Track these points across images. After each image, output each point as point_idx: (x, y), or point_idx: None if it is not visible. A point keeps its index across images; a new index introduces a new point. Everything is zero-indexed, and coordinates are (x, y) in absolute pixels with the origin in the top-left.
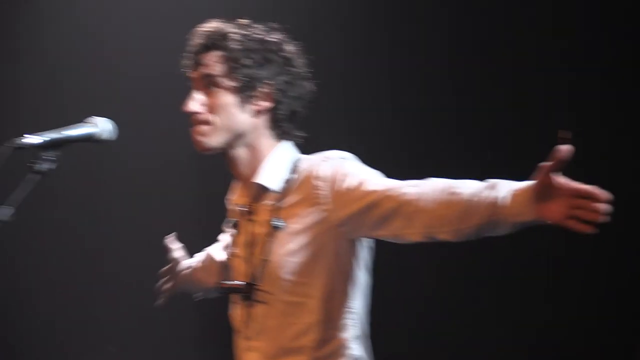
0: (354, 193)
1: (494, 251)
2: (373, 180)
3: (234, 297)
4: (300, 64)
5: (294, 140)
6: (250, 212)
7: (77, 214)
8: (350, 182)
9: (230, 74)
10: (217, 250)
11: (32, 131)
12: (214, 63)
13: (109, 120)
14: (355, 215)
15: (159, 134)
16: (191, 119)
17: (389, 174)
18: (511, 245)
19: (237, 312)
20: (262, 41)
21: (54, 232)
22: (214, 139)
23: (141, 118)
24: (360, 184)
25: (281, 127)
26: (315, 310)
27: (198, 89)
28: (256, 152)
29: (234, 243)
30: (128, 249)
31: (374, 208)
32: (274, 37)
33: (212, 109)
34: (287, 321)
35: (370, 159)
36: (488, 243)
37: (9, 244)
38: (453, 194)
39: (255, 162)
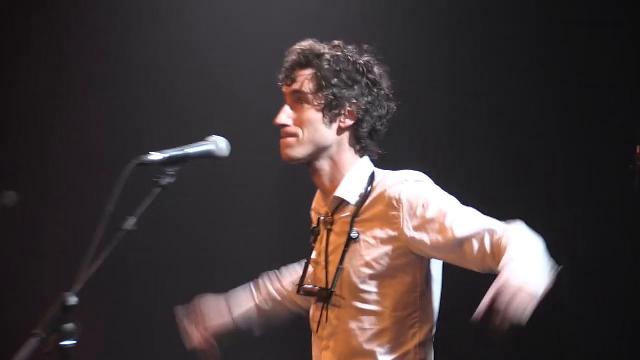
0: (433, 224)
1: None
2: (453, 215)
3: (313, 300)
4: (385, 85)
5: (373, 156)
6: (329, 222)
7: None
8: (431, 211)
9: (319, 92)
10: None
11: (155, 149)
12: (305, 80)
13: (223, 138)
14: (426, 242)
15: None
16: (281, 131)
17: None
18: None
19: (314, 313)
20: (352, 63)
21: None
22: (298, 151)
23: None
24: (440, 215)
25: (362, 143)
26: (387, 318)
27: (289, 103)
28: (338, 165)
29: (314, 250)
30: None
31: (449, 246)
32: (363, 59)
33: (299, 123)
34: (358, 326)
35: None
36: None
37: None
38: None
39: (336, 174)
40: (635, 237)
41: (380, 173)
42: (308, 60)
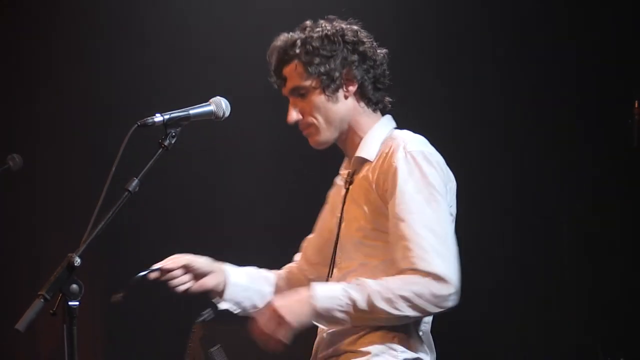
0: (392, 206)
1: None
2: (408, 214)
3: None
4: (365, 38)
5: (388, 107)
6: (349, 182)
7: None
8: (400, 194)
9: (309, 77)
10: None
11: (161, 110)
12: (294, 74)
13: (223, 98)
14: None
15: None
16: (299, 128)
17: None
18: None
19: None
20: (323, 37)
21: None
22: (323, 136)
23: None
24: (400, 205)
25: (373, 99)
26: (379, 272)
27: (292, 99)
28: (357, 129)
29: (330, 209)
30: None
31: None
32: (333, 26)
33: (310, 112)
34: (363, 267)
35: None
36: None
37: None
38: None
39: (356, 138)
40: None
41: (398, 133)
42: (287, 54)
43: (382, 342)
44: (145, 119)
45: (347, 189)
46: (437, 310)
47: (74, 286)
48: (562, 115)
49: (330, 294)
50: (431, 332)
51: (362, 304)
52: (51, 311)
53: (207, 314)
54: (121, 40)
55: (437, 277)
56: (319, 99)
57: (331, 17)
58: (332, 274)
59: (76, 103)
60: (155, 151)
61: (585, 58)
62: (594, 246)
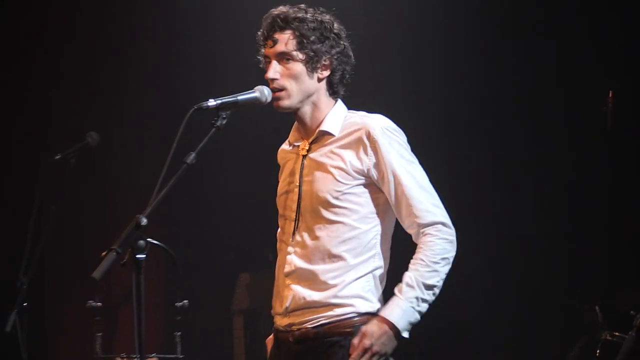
0: (396, 185)
1: None
2: (410, 185)
3: (283, 219)
4: (345, 38)
5: (341, 97)
6: (306, 149)
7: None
8: (391, 163)
9: (301, 49)
10: None
11: (215, 96)
12: (289, 40)
13: (266, 86)
14: (380, 182)
15: None
16: (271, 86)
17: None
18: None
19: (285, 228)
20: (320, 21)
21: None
22: (289, 102)
23: None
24: (392, 172)
25: (335, 88)
26: (352, 229)
27: (274, 60)
28: (319, 108)
29: (288, 172)
30: None
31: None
32: (327, 17)
33: (287, 77)
34: (327, 234)
35: None
36: None
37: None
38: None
39: (318, 115)
40: (607, 164)
41: (354, 112)
42: (286, 22)
43: (358, 295)
44: (201, 103)
45: (303, 158)
46: (454, 251)
47: (141, 242)
48: (549, 106)
49: (403, 313)
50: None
51: (422, 295)
52: (122, 262)
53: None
54: (187, 39)
55: (444, 223)
56: (300, 69)
57: (322, 9)
58: (297, 228)
59: (146, 91)
60: (209, 130)
61: (567, 57)
62: (575, 205)
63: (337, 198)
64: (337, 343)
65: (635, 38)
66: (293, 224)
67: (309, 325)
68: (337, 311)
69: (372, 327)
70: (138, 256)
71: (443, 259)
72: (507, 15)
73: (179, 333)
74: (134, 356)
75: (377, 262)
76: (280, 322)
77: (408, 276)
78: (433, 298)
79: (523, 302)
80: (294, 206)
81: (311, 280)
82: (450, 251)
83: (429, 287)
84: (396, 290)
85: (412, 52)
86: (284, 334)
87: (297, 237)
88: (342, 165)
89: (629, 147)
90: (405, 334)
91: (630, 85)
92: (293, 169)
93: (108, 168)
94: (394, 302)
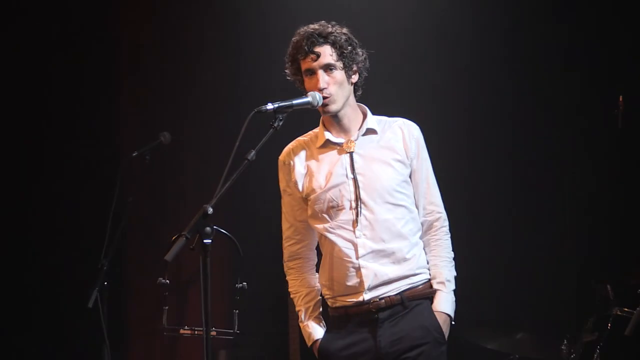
0: (424, 174)
1: None
2: (431, 178)
3: (341, 210)
4: (361, 46)
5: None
6: (349, 146)
7: None
8: (423, 159)
9: (340, 59)
10: None
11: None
12: (329, 53)
13: (317, 92)
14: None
15: None
16: (322, 94)
17: None
18: None
19: (347, 217)
20: (346, 34)
21: None
22: (336, 105)
23: None
24: (427, 171)
25: (357, 91)
26: (410, 211)
27: (320, 70)
28: (354, 109)
29: (329, 167)
30: None
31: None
32: (346, 29)
33: (333, 84)
34: (394, 216)
35: None
36: None
37: None
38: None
39: (354, 115)
40: (618, 161)
41: (386, 117)
42: (324, 37)
43: (424, 265)
44: (260, 107)
45: (351, 153)
46: None
47: (208, 229)
48: (566, 108)
49: (451, 304)
50: None
51: (453, 287)
52: (191, 247)
53: None
54: (247, 48)
55: (445, 219)
56: (342, 76)
57: (334, 22)
58: (359, 214)
59: (212, 95)
60: (268, 131)
61: (581, 63)
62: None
63: (398, 185)
64: (420, 304)
65: None
66: (353, 212)
67: (392, 294)
68: (413, 279)
69: (442, 319)
70: (205, 241)
71: (449, 253)
72: (518, 15)
73: (237, 311)
74: (196, 329)
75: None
76: (357, 298)
77: (443, 274)
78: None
79: (540, 282)
80: (351, 196)
81: (388, 257)
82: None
83: (454, 279)
84: (439, 285)
85: (412, 52)
86: (362, 307)
87: (363, 222)
88: (397, 157)
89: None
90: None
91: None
92: (337, 164)
93: (178, 163)
94: (443, 297)
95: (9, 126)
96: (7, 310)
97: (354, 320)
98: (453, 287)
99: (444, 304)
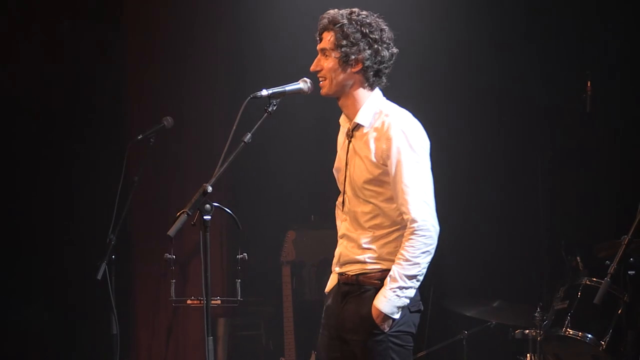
0: (395, 177)
1: None
2: (406, 181)
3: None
4: (385, 38)
5: (383, 85)
6: (350, 136)
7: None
8: (400, 167)
9: (335, 49)
10: None
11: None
12: (328, 40)
13: (309, 79)
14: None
15: None
16: (317, 75)
17: None
18: None
19: (339, 200)
20: (361, 25)
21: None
22: (327, 89)
23: None
24: (401, 174)
25: (370, 81)
26: (377, 209)
27: (320, 54)
28: (356, 98)
29: (340, 150)
30: None
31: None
32: (369, 21)
33: (325, 68)
34: (362, 210)
35: None
36: None
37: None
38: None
39: (355, 105)
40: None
41: (387, 106)
42: (330, 25)
43: (382, 258)
44: (255, 92)
45: (349, 142)
46: (435, 242)
47: (207, 206)
48: (539, 94)
49: (387, 300)
50: None
51: (405, 284)
52: (192, 223)
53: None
54: (247, 38)
55: (425, 220)
56: (334, 63)
57: (365, 13)
58: (344, 201)
59: (211, 82)
60: (262, 115)
61: (549, 53)
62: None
63: (367, 183)
64: (369, 291)
65: (611, 33)
66: (342, 197)
67: (351, 273)
68: (366, 267)
69: (374, 313)
70: (205, 217)
71: (423, 252)
72: (494, 17)
73: (239, 280)
74: (201, 298)
75: (401, 233)
76: (336, 269)
77: (393, 270)
78: (417, 283)
79: (516, 252)
80: (343, 182)
81: (354, 243)
82: (430, 245)
83: (410, 277)
84: (387, 280)
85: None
86: (339, 277)
87: (346, 209)
88: (370, 156)
89: (604, 125)
90: (396, 316)
91: (606, 75)
92: (342, 149)
93: (180, 145)
94: (381, 292)
95: (24, 112)
96: (20, 282)
97: (337, 287)
98: (401, 285)
99: (378, 299)
